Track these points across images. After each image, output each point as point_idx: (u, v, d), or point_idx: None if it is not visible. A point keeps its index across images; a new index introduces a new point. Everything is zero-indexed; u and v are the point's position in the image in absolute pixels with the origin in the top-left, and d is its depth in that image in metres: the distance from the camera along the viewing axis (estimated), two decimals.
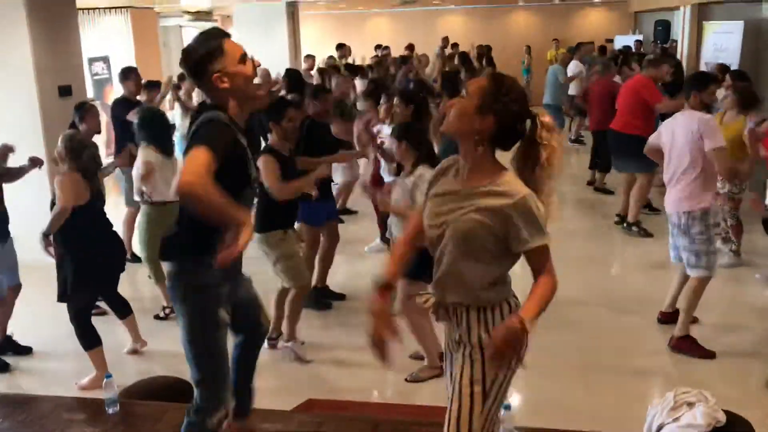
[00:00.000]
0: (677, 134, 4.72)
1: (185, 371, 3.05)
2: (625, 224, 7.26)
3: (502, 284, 2.28)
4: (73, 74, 7.06)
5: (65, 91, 6.84)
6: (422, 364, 4.36)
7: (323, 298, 5.53)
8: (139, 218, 5.49)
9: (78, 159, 4.34)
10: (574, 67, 11.37)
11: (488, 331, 2.21)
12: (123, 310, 4.84)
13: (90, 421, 3.41)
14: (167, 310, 5.43)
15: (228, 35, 2.54)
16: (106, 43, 12.34)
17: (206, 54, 2.42)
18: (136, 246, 5.93)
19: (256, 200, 4.16)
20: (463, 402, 2.21)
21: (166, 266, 2.69)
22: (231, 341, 2.78)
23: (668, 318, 4.95)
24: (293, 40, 13.93)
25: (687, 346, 4.60)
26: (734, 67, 10.66)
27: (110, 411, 3.44)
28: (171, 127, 5.61)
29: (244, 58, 2.47)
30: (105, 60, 12.37)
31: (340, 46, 13.22)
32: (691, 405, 3.33)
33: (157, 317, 5.47)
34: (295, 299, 4.56)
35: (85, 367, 4.45)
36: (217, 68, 2.42)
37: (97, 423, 3.38)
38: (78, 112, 5.53)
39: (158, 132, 5.35)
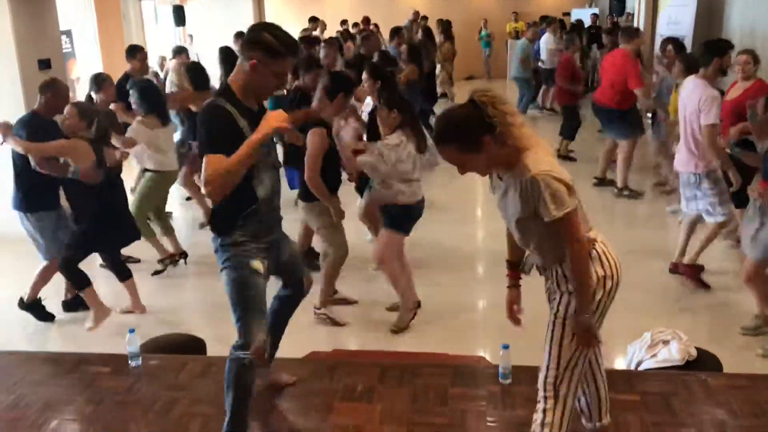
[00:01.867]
0: (688, 101, 5.11)
1: (191, 328, 3.28)
2: (616, 189, 7.68)
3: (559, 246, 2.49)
4: (51, 47, 7.07)
5: (45, 64, 6.86)
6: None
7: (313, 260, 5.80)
8: (142, 182, 5.81)
9: (89, 126, 4.66)
10: (549, 40, 11.73)
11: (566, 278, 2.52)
12: (123, 273, 5.07)
13: (115, 373, 3.61)
14: (167, 261, 5.87)
15: (294, 53, 2.80)
16: (68, 17, 12.15)
17: (272, 45, 2.69)
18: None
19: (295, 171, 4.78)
20: (555, 331, 2.55)
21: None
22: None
23: (677, 267, 5.39)
24: (258, 16, 13.93)
25: (689, 274, 5.22)
26: (688, 39, 11.16)
27: (133, 364, 3.65)
28: (163, 97, 5.84)
29: (282, 77, 2.81)
30: (68, 34, 12.20)
31: (314, 19, 13.43)
32: (666, 342, 3.72)
33: (156, 273, 5.82)
34: (331, 266, 4.77)
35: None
36: (259, 58, 2.70)
37: (122, 375, 3.59)
38: (95, 83, 5.81)
39: (157, 102, 5.58)
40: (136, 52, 7.15)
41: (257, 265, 2.87)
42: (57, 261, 4.80)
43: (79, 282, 4.81)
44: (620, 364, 3.97)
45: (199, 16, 16.46)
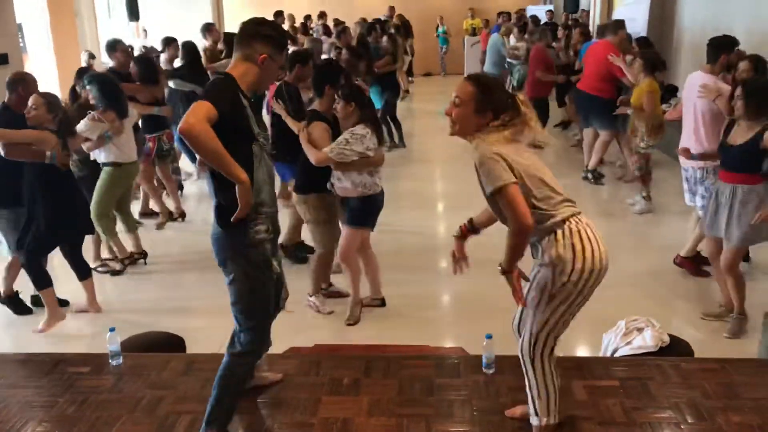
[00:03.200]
0: (692, 96, 5.21)
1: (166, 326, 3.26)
2: (583, 172, 7.95)
3: (541, 223, 2.64)
4: (8, 42, 6.91)
5: (2, 60, 6.70)
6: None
7: (301, 253, 5.86)
8: (100, 177, 5.62)
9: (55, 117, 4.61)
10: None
11: (550, 255, 2.65)
12: (83, 272, 4.99)
13: (96, 373, 3.57)
14: (118, 266, 5.80)
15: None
16: (20, 11, 11.81)
17: (277, 38, 2.78)
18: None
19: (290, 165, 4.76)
20: (528, 305, 2.74)
21: (213, 226, 2.83)
22: None
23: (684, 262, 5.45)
24: (216, 9, 13.78)
25: (689, 266, 5.34)
26: (642, 35, 11.46)
27: (114, 363, 3.61)
28: (122, 91, 5.74)
29: (281, 69, 2.92)
30: (19, 29, 11.85)
31: (279, 13, 13.76)
32: (640, 330, 3.85)
33: (114, 273, 5.77)
34: (319, 264, 4.89)
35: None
36: (268, 52, 2.74)
37: (103, 375, 3.55)
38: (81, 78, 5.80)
39: (116, 97, 5.46)
40: (117, 45, 7.07)
41: (276, 266, 2.87)
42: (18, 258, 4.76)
43: (39, 281, 4.75)
44: (596, 352, 4.08)
45: (154, 10, 16.20)
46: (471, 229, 3.08)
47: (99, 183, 5.60)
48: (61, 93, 9.39)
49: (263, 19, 2.92)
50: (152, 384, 3.46)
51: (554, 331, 2.75)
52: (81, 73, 6.06)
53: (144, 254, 5.98)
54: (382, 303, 4.96)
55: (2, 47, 6.76)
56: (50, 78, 10.97)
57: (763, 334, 3.86)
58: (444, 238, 6.58)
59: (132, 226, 6.00)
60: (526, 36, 11.33)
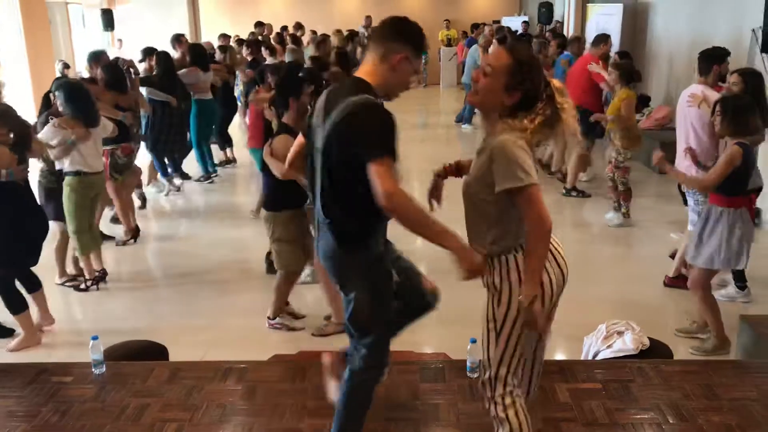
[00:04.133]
0: (688, 110, 5.24)
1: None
2: (564, 190, 8.00)
3: (508, 236, 2.42)
4: None
5: None
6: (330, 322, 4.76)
7: None
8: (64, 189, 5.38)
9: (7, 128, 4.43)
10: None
11: (501, 277, 2.43)
12: (32, 285, 4.81)
13: (79, 382, 3.53)
14: (89, 283, 5.59)
15: None
16: None
17: (417, 38, 2.56)
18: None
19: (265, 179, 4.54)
20: (482, 334, 2.54)
21: (328, 245, 2.62)
22: None
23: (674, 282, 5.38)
24: (192, 16, 13.77)
25: (681, 283, 5.22)
26: (615, 47, 11.66)
27: (97, 372, 3.58)
28: (92, 99, 5.55)
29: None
30: None
31: (260, 24, 13.83)
32: (620, 333, 3.92)
33: (78, 289, 5.61)
34: (282, 282, 4.74)
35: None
36: (406, 54, 2.53)
37: (86, 384, 3.51)
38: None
39: (83, 105, 5.32)
40: (100, 57, 7.06)
41: (395, 276, 2.74)
42: None
43: (16, 306, 4.60)
44: (578, 355, 4.13)
45: (129, 21, 16.13)
46: (454, 170, 2.83)
47: (64, 199, 5.34)
48: (35, 103, 9.31)
49: (404, 17, 2.65)
50: (136, 392, 3.44)
51: (520, 350, 2.50)
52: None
53: (104, 273, 5.72)
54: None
55: None
56: (24, 87, 10.84)
57: (738, 336, 3.95)
58: (420, 247, 6.63)
59: (96, 239, 5.76)
60: None
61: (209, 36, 15.46)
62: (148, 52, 8.39)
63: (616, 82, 6.72)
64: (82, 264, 5.62)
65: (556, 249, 2.49)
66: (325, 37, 10.26)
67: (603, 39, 8.07)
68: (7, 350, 4.61)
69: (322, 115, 2.52)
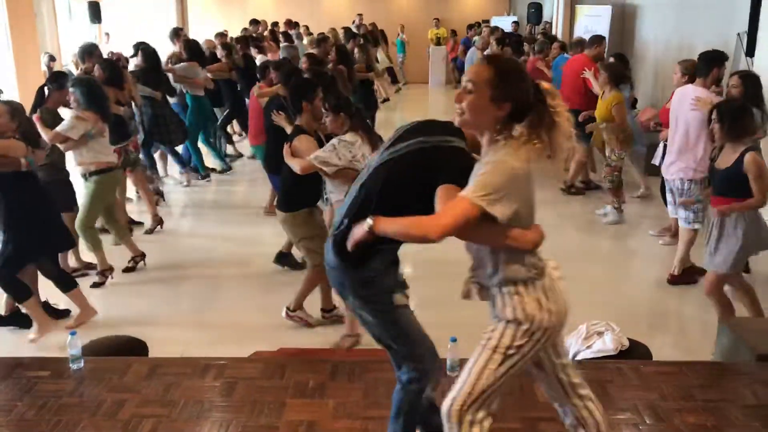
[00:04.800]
0: (683, 110, 5.27)
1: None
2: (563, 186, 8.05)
3: (514, 263, 2.30)
4: None
5: None
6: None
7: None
8: (86, 186, 5.47)
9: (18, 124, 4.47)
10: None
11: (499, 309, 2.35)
12: (66, 283, 4.88)
13: (55, 377, 3.50)
14: (108, 274, 5.66)
15: None
16: None
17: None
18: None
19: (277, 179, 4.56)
20: (481, 358, 2.39)
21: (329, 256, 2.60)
22: None
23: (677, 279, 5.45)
24: (180, 12, 13.70)
25: (683, 279, 5.35)
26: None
27: (74, 367, 3.55)
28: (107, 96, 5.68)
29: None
30: None
31: (255, 21, 13.80)
32: (600, 334, 3.94)
33: (95, 285, 5.60)
34: (311, 277, 4.72)
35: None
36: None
37: (63, 379, 3.49)
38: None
39: (102, 101, 5.43)
40: (93, 51, 7.11)
41: (400, 298, 2.68)
42: None
43: (17, 294, 4.62)
44: None
45: (117, 13, 16.02)
46: None
47: (86, 194, 5.42)
48: (19, 94, 9.24)
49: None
50: (114, 388, 3.42)
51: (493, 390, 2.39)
52: (56, 76, 5.86)
53: (143, 255, 5.96)
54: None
55: None
56: (8, 79, 10.74)
57: (717, 338, 3.98)
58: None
59: (124, 233, 5.96)
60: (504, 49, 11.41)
61: (197, 29, 15.41)
62: (140, 47, 8.32)
63: (605, 84, 6.75)
64: (96, 259, 5.63)
65: (557, 285, 2.39)
66: (325, 36, 10.24)
67: (597, 40, 8.09)
68: (30, 341, 4.62)
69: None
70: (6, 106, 4.52)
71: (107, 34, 16.04)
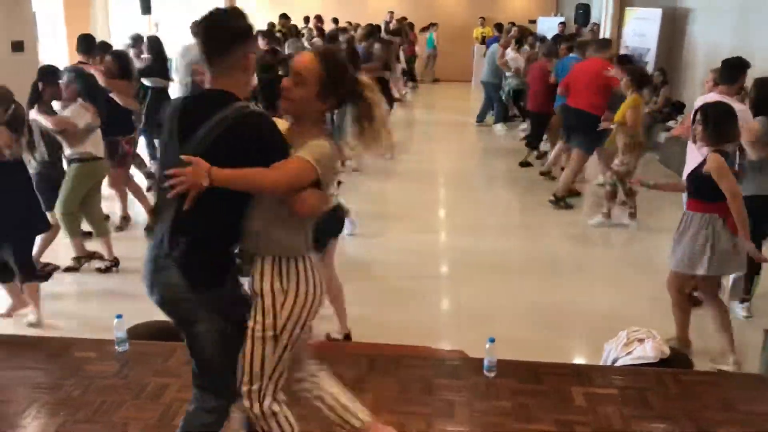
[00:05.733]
0: None
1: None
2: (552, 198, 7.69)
3: (294, 235, 2.39)
4: (25, 30, 6.96)
5: (18, 47, 6.75)
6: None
7: None
8: (68, 171, 5.48)
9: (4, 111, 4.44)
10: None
11: (282, 281, 2.38)
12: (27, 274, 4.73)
13: (102, 359, 3.61)
14: (83, 261, 5.64)
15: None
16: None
17: (241, 31, 2.31)
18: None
19: None
20: (256, 345, 2.39)
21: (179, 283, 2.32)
22: None
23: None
24: (230, 2, 13.87)
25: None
26: (652, 51, 11.52)
27: (120, 349, 3.66)
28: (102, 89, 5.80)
29: None
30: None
31: (284, 16, 14.08)
32: (641, 341, 3.89)
33: (69, 269, 5.60)
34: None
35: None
36: (247, 49, 2.33)
37: (109, 360, 3.59)
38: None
39: (100, 94, 5.59)
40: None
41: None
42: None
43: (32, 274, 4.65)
44: (596, 360, 4.11)
45: (166, 5, 16.28)
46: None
47: (66, 179, 5.42)
48: None
49: (219, 12, 2.37)
50: (157, 371, 3.51)
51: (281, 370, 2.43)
52: (46, 71, 5.62)
53: (116, 262, 5.68)
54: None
55: (18, 34, 6.79)
56: (61, 65, 11.01)
57: (762, 350, 3.90)
58: (436, 249, 6.64)
59: (104, 230, 5.75)
60: (524, 48, 11.32)
61: None
62: (137, 39, 8.34)
63: (627, 87, 6.64)
64: (73, 245, 5.60)
65: (315, 275, 2.44)
66: (338, 31, 10.19)
67: (608, 44, 8.04)
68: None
69: None
70: None
71: (156, 24, 16.31)
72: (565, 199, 7.65)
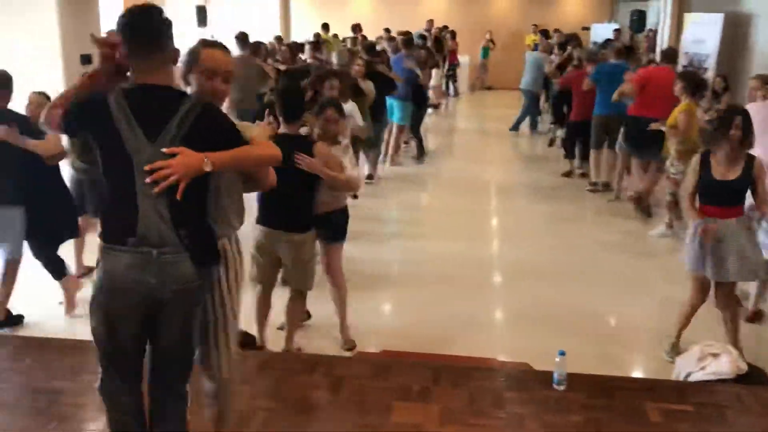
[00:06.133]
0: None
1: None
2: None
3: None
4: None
5: (86, 60, 6.95)
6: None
7: None
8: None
9: None
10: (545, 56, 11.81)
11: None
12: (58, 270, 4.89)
13: None
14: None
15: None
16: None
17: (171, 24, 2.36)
18: None
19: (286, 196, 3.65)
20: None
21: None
22: None
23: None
24: (284, 17, 14.08)
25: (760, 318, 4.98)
26: (712, 58, 11.23)
27: None
28: None
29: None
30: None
31: (325, 26, 14.29)
32: (716, 356, 3.78)
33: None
34: (303, 300, 4.30)
35: None
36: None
37: None
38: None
39: None
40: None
41: None
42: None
43: (59, 270, 4.85)
44: (668, 375, 4.00)
45: (222, 17, 16.63)
46: None
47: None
48: None
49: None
50: None
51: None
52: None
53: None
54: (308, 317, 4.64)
55: (87, 48, 6.97)
56: None
57: None
58: (480, 258, 6.53)
59: None
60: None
61: (299, 33, 15.78)
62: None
63: (681, 93, 6.45)
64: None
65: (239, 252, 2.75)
66: (352, 49, 10.34)
67: (675, 53, 7.98)
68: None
69: None
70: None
71: (212, 36, 16.66)
72: (649, 207, 7.44)
